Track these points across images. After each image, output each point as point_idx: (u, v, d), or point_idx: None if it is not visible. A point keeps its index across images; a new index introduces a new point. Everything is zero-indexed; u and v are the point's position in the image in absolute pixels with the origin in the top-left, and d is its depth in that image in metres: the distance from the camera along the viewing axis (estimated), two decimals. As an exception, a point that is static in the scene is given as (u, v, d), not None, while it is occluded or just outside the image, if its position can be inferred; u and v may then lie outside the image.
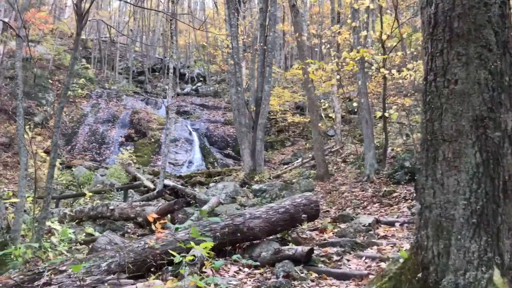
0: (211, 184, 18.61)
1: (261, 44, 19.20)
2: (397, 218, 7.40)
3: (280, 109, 27.59)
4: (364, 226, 6.58)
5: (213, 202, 8.60)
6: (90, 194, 10.96)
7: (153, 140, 25.59)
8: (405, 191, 9.10)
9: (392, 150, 15.04)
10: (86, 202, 12.42)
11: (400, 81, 13.98)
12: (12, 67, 27.54)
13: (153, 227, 4.98)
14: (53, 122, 26.45)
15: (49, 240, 6.10)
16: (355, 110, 27.59)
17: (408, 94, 16.61)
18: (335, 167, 16.17)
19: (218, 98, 33.92)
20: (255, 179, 16.96)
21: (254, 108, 19.11)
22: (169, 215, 7.86)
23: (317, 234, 6.86)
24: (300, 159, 20.47)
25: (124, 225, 9.19)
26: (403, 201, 8.59)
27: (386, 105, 12.07)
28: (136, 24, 42.41)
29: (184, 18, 51.09)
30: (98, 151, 25.39)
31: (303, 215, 5.92)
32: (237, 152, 23.16)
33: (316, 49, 18.16)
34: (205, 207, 8.38)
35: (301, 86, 32.60)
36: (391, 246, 5.64)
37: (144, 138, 26.09)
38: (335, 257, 5.23)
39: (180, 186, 18.88)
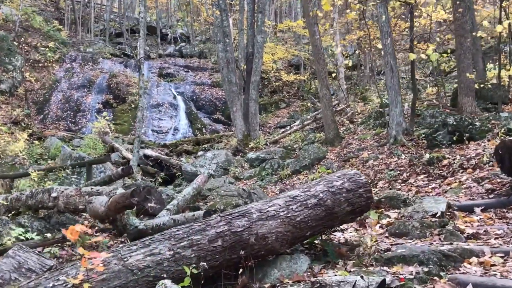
0: (199, 153, 16.53)
1: (251, -12, 16.43)
2: (470, 199, 5.06)
3: (273, 66, 24.92)
4: (434, 216, 4.21)
5: (199, 181, 6.15)
6: (35, 174, 8.23)
7: (133, 106, 23.09)
8: (459, 156, 6.72)
9: (407, 106, 12.77)
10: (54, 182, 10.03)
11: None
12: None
13: (79, 250, 2.58)
14: (22, 89, 23.82)
15: None
16: (355, 65, 25.29)
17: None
18: (343, 129, 13.83)
19: (204, 59, 31.45)
20: (249, 146, 14.65)
21: (245, 66, 16.53)
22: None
23: (356, 230, 4.51)
24: (298, 121, 18.15)
25: (81, 214, 6.76)
26: (461, 171, 6.21)
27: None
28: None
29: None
30: (73, 120, 23.09)
31: (347, 208, 3.52)
32: (228, 116, 20.91)
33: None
34: (189, 189, 5.97)
35: (293, 43, 29.97)
36: (502, 257, 3.30)
37: (124, 104, 23.73)
38: None
39: (164, 156, 16.68)
